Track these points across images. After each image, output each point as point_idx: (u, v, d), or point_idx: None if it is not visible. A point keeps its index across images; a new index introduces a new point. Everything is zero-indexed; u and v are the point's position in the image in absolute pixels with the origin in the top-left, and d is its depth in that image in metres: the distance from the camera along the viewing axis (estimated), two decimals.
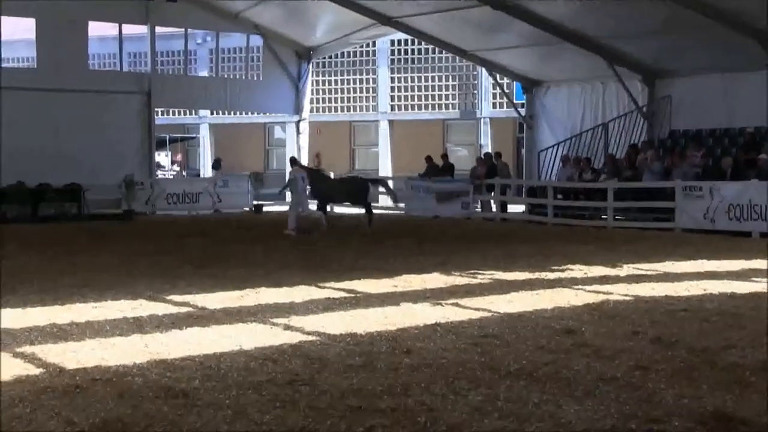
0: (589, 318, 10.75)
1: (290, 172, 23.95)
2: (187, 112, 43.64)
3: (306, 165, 28.07)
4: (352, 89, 41.22)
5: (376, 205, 27.32)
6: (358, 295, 12.75)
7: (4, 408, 6.81)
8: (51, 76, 28.67)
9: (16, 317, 10.75)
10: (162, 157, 43.44)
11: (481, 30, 27.74)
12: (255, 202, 32.95)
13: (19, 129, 27.65)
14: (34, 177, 27.43)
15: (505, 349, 8.92)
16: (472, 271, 15.25)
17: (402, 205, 29.33)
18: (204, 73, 39.99)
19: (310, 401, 7.00)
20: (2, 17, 28.25)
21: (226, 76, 36.50)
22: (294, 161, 24.98)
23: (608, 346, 9.01)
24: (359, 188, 24.01)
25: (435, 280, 14.30)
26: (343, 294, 12.83)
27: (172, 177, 42.13)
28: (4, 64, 30.03)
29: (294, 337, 9.61)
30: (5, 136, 27.38)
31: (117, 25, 31.92)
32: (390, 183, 29.62)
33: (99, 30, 33.30)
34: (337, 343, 9.31)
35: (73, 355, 8.68)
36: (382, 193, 29.06)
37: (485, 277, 14.74)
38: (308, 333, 9.88)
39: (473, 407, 6.84)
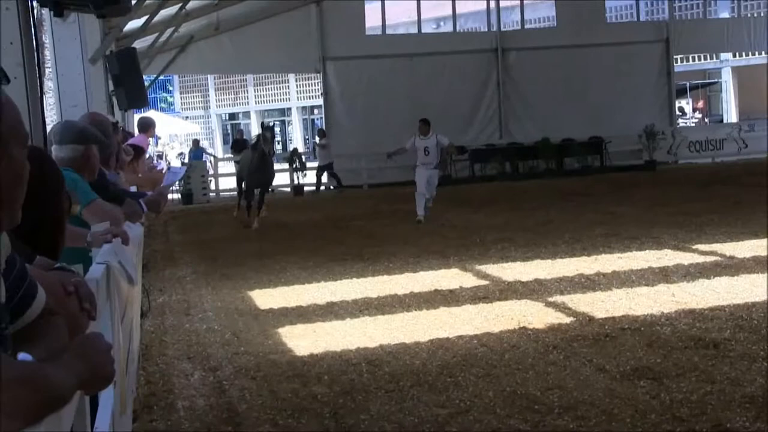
0: None
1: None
2: (708, 57, 42.17)
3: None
4: None
5: None
6: None
7: (541, 354, 7.16)
8: (571, 33, 29.34)
9: (546, 268, 11.24)
10: (683, 105, 42.51)
11: None
12: None
13: (542, 86, 28.78)
14: (559, 132, 28.34)
15: None
16: None
17: None
18: (725, 15, 38.26)
19: None
20: None
21: (749, 15, 34.59)
22: (425, 122, 18.00)
23: None
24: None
25: None
26: None
27: (693, 125, 41.10)
28: (527, 26, 31.38)
29: None
30: (531, 93, 28.74)
31: None
32: None
33: None
34: None
35: (601, 305, 8.87)
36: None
37: None
38: None
39: None
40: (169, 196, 14.17)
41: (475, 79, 29.07)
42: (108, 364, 2.00)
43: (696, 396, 5.85)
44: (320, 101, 30.09)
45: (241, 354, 7.80)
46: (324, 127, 29.02)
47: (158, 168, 11.84)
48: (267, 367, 7.29)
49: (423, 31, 31.03)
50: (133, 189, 7.79)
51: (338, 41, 28.14)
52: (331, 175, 27.42)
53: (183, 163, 28.71)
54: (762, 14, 34.31)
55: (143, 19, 17.82)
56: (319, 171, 27.56)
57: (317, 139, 29.44)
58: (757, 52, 38.37)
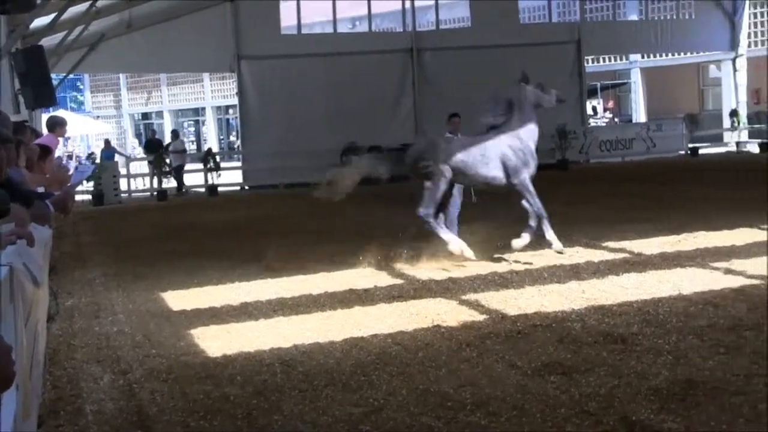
0: None
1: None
2: (618, 57, 43.01)
3: None
4: None
5: None
6: None
7: (454, 352, 7.20)
8: (485, 34, 29.63)
9: (459, 266, 11.32)
10: (595, 105, 43.29)
11: None
12: (690, 145, 31.78)
13: (457, 86, 28.91)
14: (474, 131, 28.42)
15: None
16: None
17: None
18: (633, 17, 39.08)
19: (756, 347, 6.66)
20: None
21: (656, 18, 35.40)
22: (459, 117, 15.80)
23: None
24: None
25: None
26: None
27: (604, 124, 41.86)
28: (442, 26, 31.61)
29: (735, 281, 9.19)
30: (446, 93, 28.94)
31: None
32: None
33: None
34: None
35: (513, 302, 8.98)
36: None
37: None
38: (751, 277, 9.38)
39: None
40: (80, 197, 13.89)
41: (391, 79, 29.18)
42: (7, 365, 1.95)
43: (604, 390, 5.95)
44: (235, 101, 29.89)
45: (152, 356, 7.69)
46: (238, 127, 29.08)
47: (68, 168, 11.60)
48: (179, 369, 7.20)
49: (338, 30, 31.02)
50: (41, 189, 7.62)
51: (253, 40, 28.00)
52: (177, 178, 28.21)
53: (93, 162, 28.31)
54: (668, 17, 35.13)
55: (51, 16, 17.46)
56: (178, 172, 27.87)
57: (171, 140, 30.21)
58: (663, 54, 39.29)
